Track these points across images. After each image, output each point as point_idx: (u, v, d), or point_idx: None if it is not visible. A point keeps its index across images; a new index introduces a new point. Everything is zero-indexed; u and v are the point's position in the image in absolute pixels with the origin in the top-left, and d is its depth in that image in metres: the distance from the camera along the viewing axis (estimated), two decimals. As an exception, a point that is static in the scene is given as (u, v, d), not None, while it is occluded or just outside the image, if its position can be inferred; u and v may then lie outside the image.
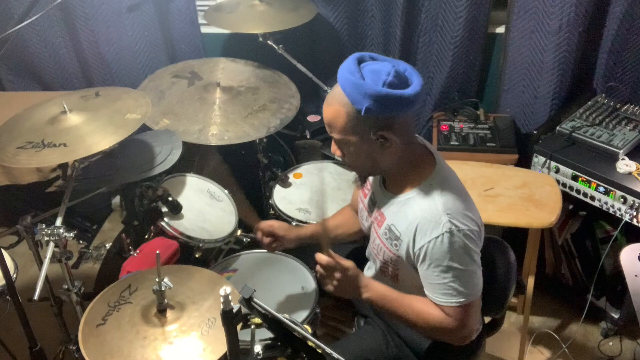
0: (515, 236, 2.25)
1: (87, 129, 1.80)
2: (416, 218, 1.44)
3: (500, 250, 1.79)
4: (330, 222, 1.91)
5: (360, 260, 1.96)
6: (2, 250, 1.67)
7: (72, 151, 1.73)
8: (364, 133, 1.42)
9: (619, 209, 2.18)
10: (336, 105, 1.42)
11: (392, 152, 1.46)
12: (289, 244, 1.87)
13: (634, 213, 2.13)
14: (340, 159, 1.54)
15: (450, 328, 1.49)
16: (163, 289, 1.50)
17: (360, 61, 1.43)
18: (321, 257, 1.54)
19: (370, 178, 1.66)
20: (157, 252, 1.49)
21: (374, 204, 1.63)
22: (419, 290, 1.52)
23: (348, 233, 1.89)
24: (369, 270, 1.78)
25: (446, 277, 1.44)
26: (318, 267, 1.56)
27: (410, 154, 1.50)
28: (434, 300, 1.49)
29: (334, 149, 1.53)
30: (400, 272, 1.59)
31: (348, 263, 1.54)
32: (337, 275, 1.54)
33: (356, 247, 2.04)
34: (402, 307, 1.55)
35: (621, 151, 2.24)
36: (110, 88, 2.08)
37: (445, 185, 1.47)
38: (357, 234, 1.89)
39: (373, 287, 1.57)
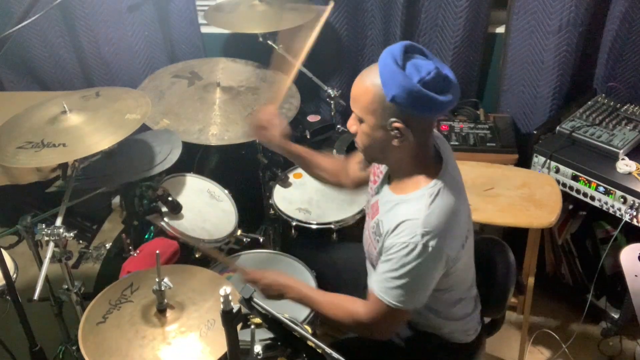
0: (515, 236, 2.25)
1: (87, 129, 1.80)
2: (398, 220, 1.45)
3: (499, 250, 1.78)
4: (318, 160, 1.89)
5: (356, 260, 1.96)
6: (2, 250, 1.67)
7: (72, 151, 1.73)
8: (382, 119, 1.41)
9: (619, 209, 2.18)
10: (368, 82, 1.42)
11: (404, 149, 1.45)
12: (274, 141, 1.84)
13: (634, 213, 2.13)
14: (354, 134, 1.53)
15: (373, 323, 1.52)
16: (163, 289, 1.50)
17: (408, 50, 1.40)
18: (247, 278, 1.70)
19: (383, 167, 1.65)
20: (157, 252, 1.49)
21: (376, 194, 1.62)
22: None
23: (326, 180, 1.90)
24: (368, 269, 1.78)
25: (394, 279, 1.44)
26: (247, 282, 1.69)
27: (419, 157, 1.49)
28: (373, 289, 1.50)
29: (351, 123, 1.52)
30: None
31: (257, 274, 1.69)
32: (259, 287, 1.67)
33: (352, 245, 2.04)
34: (323, 305, 1.62)
35: (621, 151, 2.24)
36: (110, 88, 2.08)
37: (438, 198, 1.45)
38: (333, 184, 1.91)
39: (294, 289, 1.66)
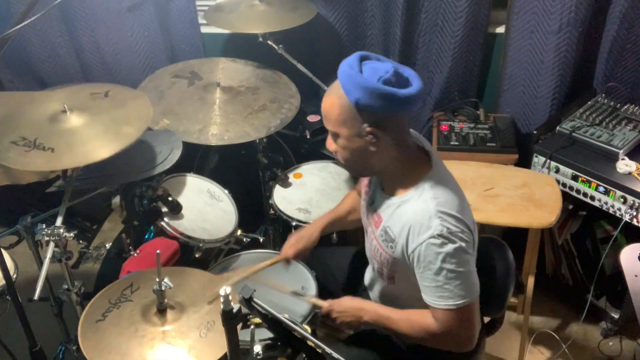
0: (515, 236, 2.25)
1: (80, 136, 1.76)
2: (409, 220, 1.44)
3: (498, 250, 1.78)
4: (342, 208, 1.93)
5: (355, 262, 1.97)
6: (2, 250, 1.67)
7: (57, 158, 1.69)
8: (354, 127, 1.42)
9: (619, 209, 2.18)
10: (332, 96, 1.44)
11: (384, 152, 1.46)
12: (312, 245, 1.89)
13: (634, 213, 2.13)
14: (333, 154, 1.54)
15: (451, 332, 1.49)
16: (163, 289, 1.50)
17: (363, 58, 1.43)
18: (322, 309, 1.69)
19: (366, 179, 1.67)
20: (157, 251, 1.49)
21: (372, 205, 1.63)
22: (415, 291, 1.52)
23: (359, 218, 1.87)
24: (368, 272, 1.78)
25: (440, 280, 1.43)
26: (322, 322, 1.70)
27: (404, 156, 1.50)
28: (431, 304, 1.48)
29: (329, 143, 1.54)
30: (397, 274, 1.58)
31: (331, 303, 1.67)
32: (334, 315, 1.65)
33: (351, 248, 2.04)
34: (398, 322, 1.57)
35: (621, 151, 2.24)
36: (121, 88, 2.01)
37: (439, 187, 1.46)
38: None
39: (369, 310, 1.63)
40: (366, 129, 1.41)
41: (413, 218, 1.44)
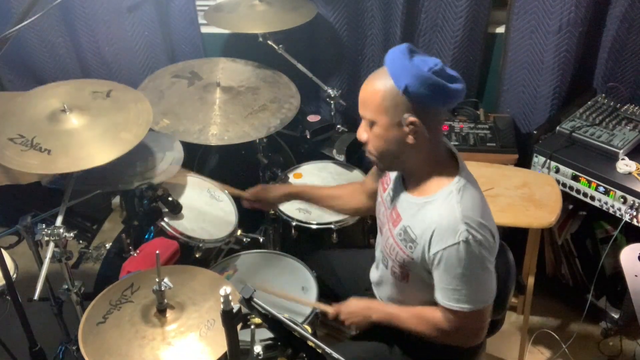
0: (515, 236, 2.25)
1: (77, 139, 1.76)
2: (433, 223, 1.43)
3: (499, 250, 1.78)
4: (328, 190, 1.96)
5: (356, 262, 1.96)
6: (2, 250, 1.67)
7: (53, 162, 1.69)
8: (395, 116, 1.40)
9: (619, 209, 2.18)
10: (376, 82, 1.42)
11: (418, 148, 1.44)
12: (274, 201, 2.00)
13: (634, 213, 2.13)
14: (365, 143, 1.50)
15: (461, 331, 1.50)
16: (163, 289, 1.50)
17: (411, 50, 1.42)
18: (329, 314, 1.72)
19: (391, 174, 1.64)
20: (157, 252, 1.49)
21: (392, 202, 1.61)
22: (427, 291, 1.52)
23: (342, 207, 1.92)
24: (377, 270, 1.77)
25: (459, 284, 1.44)
26: (332, 318, 1.72)
27: (435, 156, 1.49)
28: (444, 305, 1.48)
29: (360, 132, 1.50)
30: (412, 273, 1.58)
31: (337, 307, 1.70)
32: (343, 316, 1.67)
33: (357, 250, 2.04)
34: (407, 320, 1.59)
35: (621, 151, 2.24)
36: (123, 88, 2.01)
37: (466, 193, 1.45)
38: (352, 212, 1.94)
39: (377, 309, 1.65)
40: (408, 118, 1.39)
41: (438, 221, 1.43)
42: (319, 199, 1.94)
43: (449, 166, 1.50)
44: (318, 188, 1.98)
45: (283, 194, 1.97)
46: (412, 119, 1.39)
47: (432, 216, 1.45)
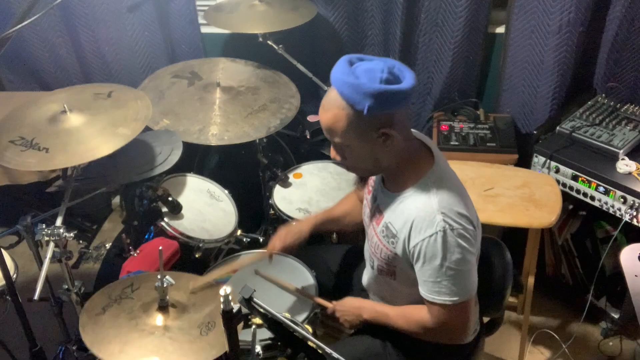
0: (515, 236, 2.25)
1: (75, 137, 1.76)
2: (411, 216, 1.45)
3: (496, 250, 1.79)
4: (338, 209, 1.93)
5: (353, 261, 1.97)
6: (2, 250, 1.67)
7: (50, 158, 1.69)
8: (365, 133, 1.42)
9: (619, 209, 2.18)
10: (334, 109, 1.41)
11: (392, 150, 1.46)
12: (302, 240, 1.89)
13: (634, 213, 2.13)
14: (340, 163, 1.53)
15: (445, 326, 1.51)
16: (165, 285, 1.50)
17: (350, 63, 1.42)
18: (327, 309, 1.77)
19: (372, 177, 1.67)
20: (160, 247, 1.49)
21: (374, 202, 1.63)
22: (415, 287, 1.52)
23: (354, 221, 1.89)
24: (367, 272, 1.78)
25: (439, 276, 1.44)
26: (323, 321, 1.81)
27: (408, 151, 1.50)
28: (427, 298, 1.49)
29: (334, 154, 1.52)
30: (397, 269, 1.59)
31: (334, 304, 1.75)
32: (338, 315, 1.73)
33: (350, 247, 2.04)
34: (395, 319, 1.62)
35: (621, 151, 2.24)
36: (124, 89, 2.02)
37: (442, 183, 1.46)
38: (361, 224, 1.91)
39: (368, 308, 1.69)
40: (380, 130, 1.40)
41: (415, 214, 1.44)
42: (337, 221, 1.93)
43: (424, 159, 1.52)
44: (330, 211, 1.95)
45: (307, 234, 1.90)
46: (382, 130, 1.41)
47: (409, 209, 1.46)
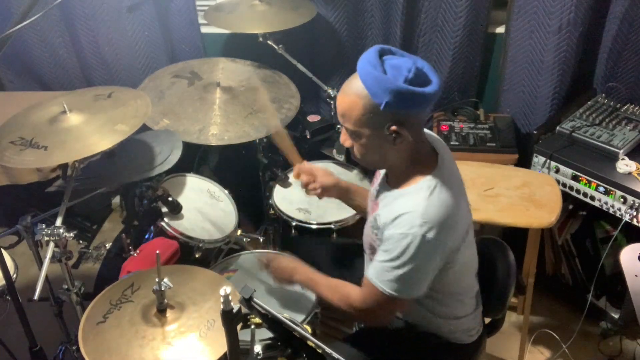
0: (515, 236, 2.25)
1: (74, 135, 1.76)
2: (397, 213, 1.45)
3: (500, 251, 1.78)
4: (356, 188, 1.91)
5: (354, 256, 1.96)
6: (2, 250, 1.67)
7: (48, 156, 1.70)
8: (378, 127, 1.42)
9: (619, 209, 2.18)
10: (353, 96, 1.42)
11: (401, 149, 1.46)
12: (327, 189, 1.87)
13: (634, 213, 2.13)
14: (349, 149, 1.54)
15: (370, 311, 1.54)
16: (163, 289, 1.50)
17: (381, 54, 1.42)
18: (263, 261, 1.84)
19: (380, 171, 1.67)
20: (157, 252, 1.49)
21: (376, 196, 1.63)
22: None
23: (361, 208, 1.89)
24: (365, 260, 1.77)
25: (393, 268, 1.45)
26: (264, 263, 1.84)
27: (416, 154, 1.50)
28: (370, 279, 1.50)
29: (344, 139, 1.52)
30: None
31: (270, 257, 1.83)
32: (271, 269, 1.79)
33: (347, 242, 2.04)
34: (323, 288, 1.66)
35: (621, 151, 2.24)
36: (124, 90, 2.01)
37: (436, 191, 1.46)
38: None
39: (301, 272, 1.72)
40: (391, 127, 1.41)
41: (401, 212, 1.44)
42: (352, 197, 1.91)
43: (428, 163, 1.51)
44: (352, 185, 1.94)
45: (335, 183, 1.88)
46: (394, 127, 1.41)
47: (398, 207, 1.46)
